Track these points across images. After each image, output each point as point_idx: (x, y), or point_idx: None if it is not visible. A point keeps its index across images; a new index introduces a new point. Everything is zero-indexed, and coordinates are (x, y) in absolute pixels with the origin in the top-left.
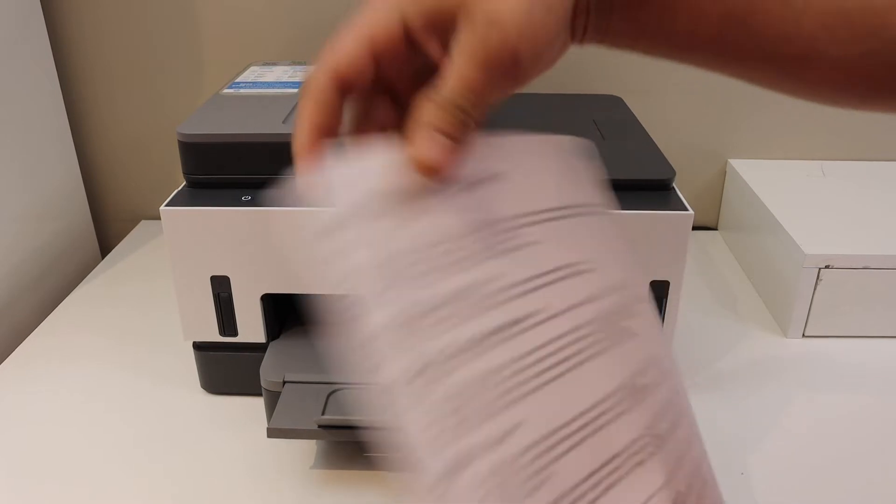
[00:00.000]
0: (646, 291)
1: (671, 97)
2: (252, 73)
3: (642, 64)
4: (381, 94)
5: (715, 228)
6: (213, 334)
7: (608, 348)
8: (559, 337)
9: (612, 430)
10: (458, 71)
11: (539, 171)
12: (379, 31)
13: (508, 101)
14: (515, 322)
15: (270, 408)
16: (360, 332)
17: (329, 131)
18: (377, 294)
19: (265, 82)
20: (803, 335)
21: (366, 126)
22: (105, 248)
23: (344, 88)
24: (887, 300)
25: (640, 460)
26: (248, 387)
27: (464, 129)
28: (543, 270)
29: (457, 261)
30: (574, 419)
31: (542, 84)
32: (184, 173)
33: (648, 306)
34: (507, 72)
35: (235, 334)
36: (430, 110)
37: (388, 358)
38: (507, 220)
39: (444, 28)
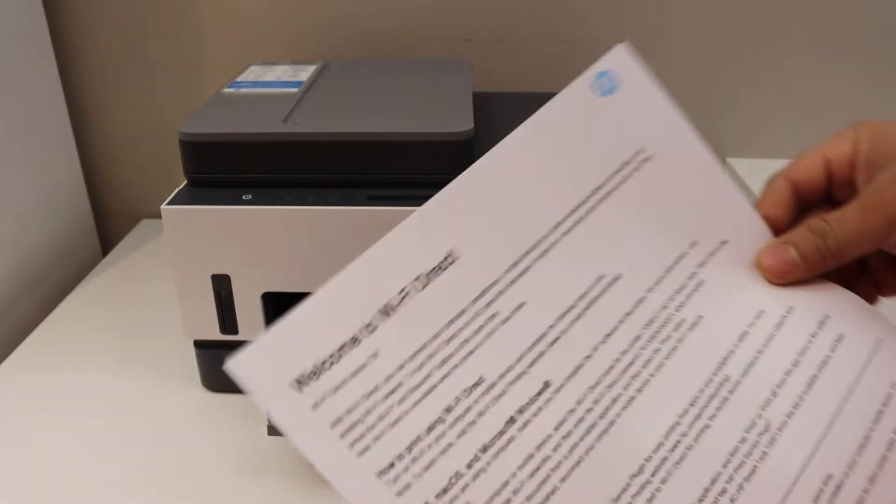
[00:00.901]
0: (707, 237)
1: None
2: (252, 73)
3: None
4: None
5: None
6: (213, 332)
7: (651, 377)
8: (571, 411)
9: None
10: (851, 208)
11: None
12: (833, 153)
13: (508, 101)
14: (512, 420)
15: None
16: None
17: (781, 215)
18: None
19: (265, 82)
20: None
21: None
22: (106, 246)
23: (798, 192)
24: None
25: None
26: None
27: (819, 258)
28: (529, 343)
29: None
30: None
31: (542, 83)
32: (184, 172)
33: (720, 252)
34: (892, 231)
35: (236, 332)
36: (801, 230)
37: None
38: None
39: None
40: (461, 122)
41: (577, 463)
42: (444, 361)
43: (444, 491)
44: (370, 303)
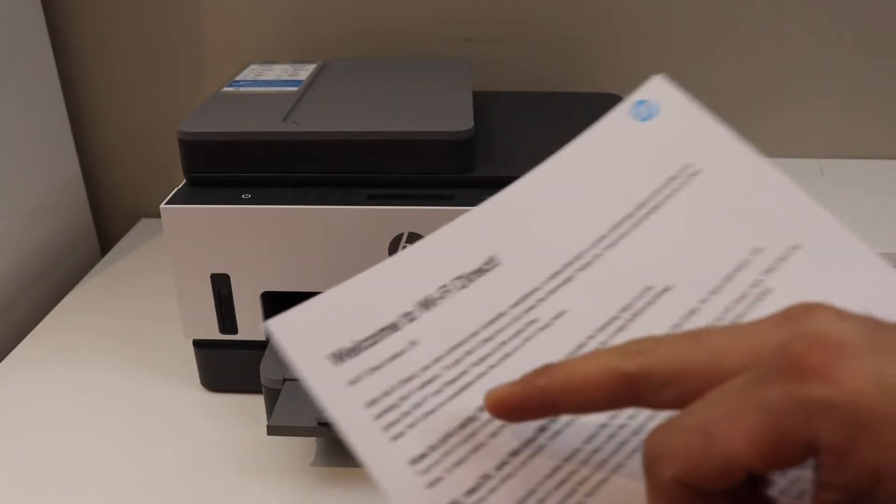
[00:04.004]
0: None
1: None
2: (252, 72)
3: (640, 62)
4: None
5: None
6: (213, 332)
7: None
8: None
9: None
10: None
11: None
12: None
13: (507, 100)
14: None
15: (270, 405)
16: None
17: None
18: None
19: (265, 81)
20: None
21: None
22: (105, 245)
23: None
24: None
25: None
26: (248, 384)
27: None
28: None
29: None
30: None
31: (540, 83)
32: (184, 171)
33: (792, 258)
34: None
35: (235, 332)
36: None
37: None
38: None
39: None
40: (461, 121)
41: (604, 481)
42: (481, 360)
43: (473, 490)
44: (411, 294)
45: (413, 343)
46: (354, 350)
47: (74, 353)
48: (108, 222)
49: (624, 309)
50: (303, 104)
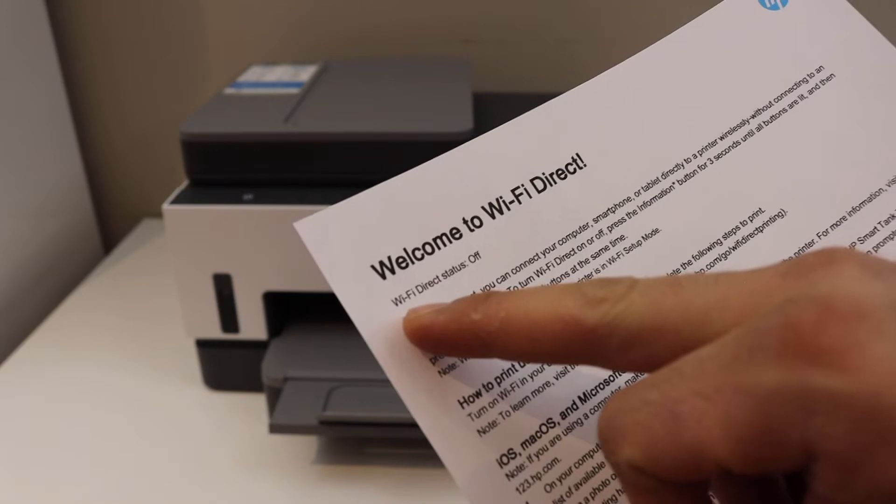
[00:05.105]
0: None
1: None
2: (254, 73)
3: None
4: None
5: None
6: (215, 331)
7: None
8: None
9: None
10: None
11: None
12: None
13: (507, 102)
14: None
15: (272, 404)
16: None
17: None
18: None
19: (267, 82)
20: None
21: None
22: (108, 245)
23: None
24: None
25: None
26: (250, 383)
27: None
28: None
29: None
30: None
31: (542, 83)
32: (186, 172)
33: None
34: None
35: (237, 331)
36: None
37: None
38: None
39: None
40: (461, 122)
41: None
42: (554, 283)
43: (532, 440)
44: (477, 195)
45: (475, 256)
46: (403, 260)
47: (77, 352)
48: (110, 222)
49: (728, 234)
50: (304, 105)
